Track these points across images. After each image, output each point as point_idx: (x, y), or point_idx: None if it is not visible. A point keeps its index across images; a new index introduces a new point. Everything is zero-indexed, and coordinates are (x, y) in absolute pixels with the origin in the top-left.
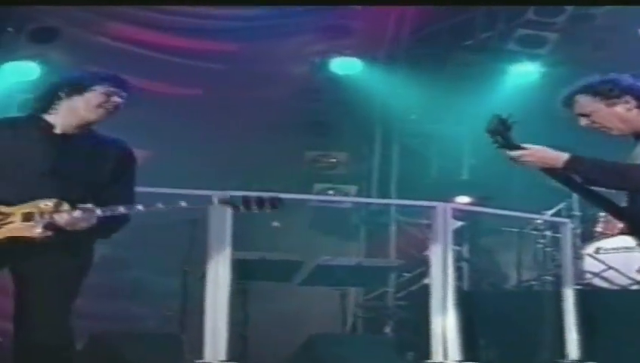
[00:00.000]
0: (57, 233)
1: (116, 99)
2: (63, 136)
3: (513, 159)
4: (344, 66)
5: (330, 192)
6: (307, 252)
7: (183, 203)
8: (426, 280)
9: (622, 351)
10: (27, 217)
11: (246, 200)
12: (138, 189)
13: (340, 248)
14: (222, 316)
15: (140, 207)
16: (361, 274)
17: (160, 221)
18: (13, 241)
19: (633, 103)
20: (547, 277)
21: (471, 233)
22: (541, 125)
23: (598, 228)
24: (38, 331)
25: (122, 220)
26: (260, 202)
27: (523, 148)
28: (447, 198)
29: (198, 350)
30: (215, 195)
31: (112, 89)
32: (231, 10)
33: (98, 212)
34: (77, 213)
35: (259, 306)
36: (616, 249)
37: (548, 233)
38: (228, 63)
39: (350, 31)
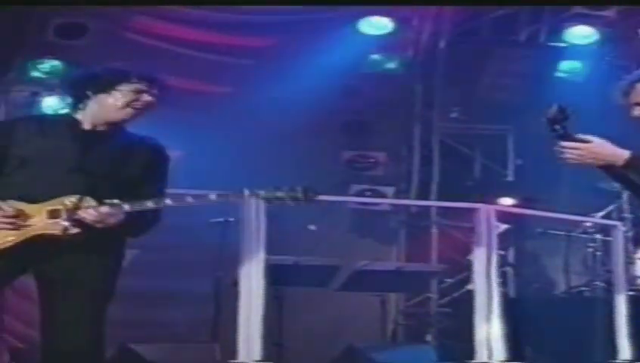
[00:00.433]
0: (85, 230)
1: (146, 97)
2: (91, 133)
3: (568, 153)
4: (382, 62)
5: (368, 194)
6: (344, 257)
7: (213, 196)
8: (469, 286)
9: None
10: (53, 214)
11: (277, 191)
12: (169, 191)
13: (378, 252)
14: (256, 324)
15: (169, 201)
16: (401, 279)
17: (191, 223)
18: (39, 240)
19: None
20: (597, 283)
21: (516, 236)
22: (589, 123)
23: None
24: (66, 339)
25: (152, 219)
26: (294, 192)
27: (582, 140)
28: (491, 200)
29: (231, 359)
30: (250, 205)
31: (141, 87)
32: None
33: (126, 207)
34: (104, 208)
35: (294, 313)
36: None
37: (598, 236)
38: (260, 59)
39: (388, 25)
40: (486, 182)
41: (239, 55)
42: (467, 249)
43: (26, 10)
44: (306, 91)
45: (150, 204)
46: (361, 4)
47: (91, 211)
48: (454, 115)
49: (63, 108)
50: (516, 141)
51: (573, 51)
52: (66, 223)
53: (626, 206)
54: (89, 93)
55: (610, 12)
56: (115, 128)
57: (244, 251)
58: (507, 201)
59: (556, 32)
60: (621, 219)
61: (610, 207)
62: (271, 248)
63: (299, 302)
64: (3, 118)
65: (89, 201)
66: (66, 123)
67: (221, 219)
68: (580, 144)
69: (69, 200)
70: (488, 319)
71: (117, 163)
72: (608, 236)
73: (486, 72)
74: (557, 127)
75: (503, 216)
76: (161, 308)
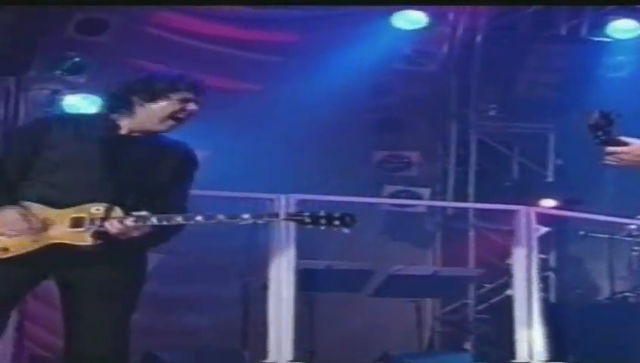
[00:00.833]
0: (107, 242)
1: (191, 107)
2: (127, 138)
3: (611, 157)
4: (415, 56)
5: (402, 195)
6: (378, 261)
7: (246, 216)
8: (509, 292)
9: None
10: (77, 222)
11: (314, 216)
12: (196, 192)
13: (413, 256)
14: (287, 330)
15: (199, 218)
16: (437, 284)
17: (218, 226)
18: (59, 248)
19: None
20: None
21: (558, 240)
22: (633, 120)
23: None
24: (90, 347)
25: (175, 229)
26: (330, 219)
27: (624, 143)
28: (530, 201)
29: None
30: (277, 201)
31: (188, 95)
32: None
33: (154, 220)
34: (130, 221)
35: (326, 320)
36: None
37: None
38: (288, 55)
39: (422, 20)
40: (526, 183)
41: (266, 51)
42: (506, 253)
43: (40, 9)
44: (337, 89)
45: (179, 219)
46: (390, 4)
47: (115, 223)
48: (491, 112)
49: (85, 107)
50: (556, 139)
51: (616, 46)
52: (89, 236)
53: None
54: (134, 99)
55: None
56: (149, 135)
57: (274, 254)
58: (547, 203)
59: (598, 26)
60: None
61: None
62: (301, 251)
63: (331, 308)
64: (23, 117)
65: (117, 211)
66: (104, 127)
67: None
68: (623, 148)
69: (96, 209)
70: (528, 326)
71: (148, 169)
72: None
73: (525, 68)
74: (600, 133)
75: (543, 218)
76: (186, 314)
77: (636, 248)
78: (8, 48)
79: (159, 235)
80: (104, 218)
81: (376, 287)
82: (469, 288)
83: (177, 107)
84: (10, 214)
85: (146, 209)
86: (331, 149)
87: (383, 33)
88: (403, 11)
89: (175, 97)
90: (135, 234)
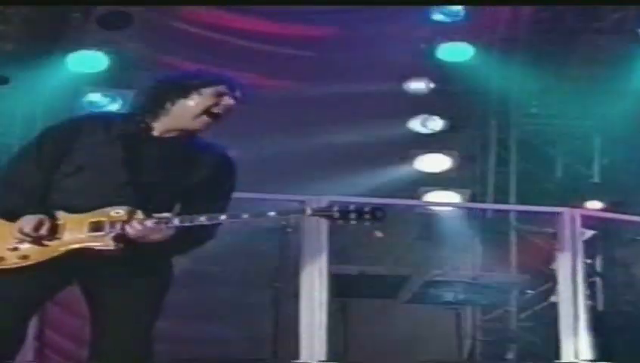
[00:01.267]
0: (129, 246)
1: (228, 100)
2: (159, 140)
3: None
4: (454, 52)
5: (440, 197)
6: (414, 266)
7: (272, 213)
8: (553, 298)
9: None
10: (96, 226)
11: (343, 210)
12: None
13: (452, 261)
14: (320, 339)
15: (223, 217)
16: (477, 291)
17: (246, 229)
18: (80, 253)
19: None
20: None
21: (604, 243)
22: None
23: None
24: (112, 356)
25: (205, 235)
26: (360, 213)
27: None
28: (575, 203)
29: None
30: (308, 203)
31: (223, 89)
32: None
33: (175, 221)
34: (150, 223)
35: (360, 328)
36: None
37: None
38: (321, 50)
39: (460, 12)
40: (570, 184)
41: (299, 46)
42: (550, 258)
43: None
44: (372, 85)
45: (202, 219)
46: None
47: (135, 225)
48: (533, 110)
49: (107, 104)
50: (602, 138)
51: None
52: (110, 240)
53: None
54: (167, 97)
55: None
56: (185, 135)
57: (305, 260)
58: (593, 204)
59: None
60: None
61: None
62: (334, 256)
63: (365, 315)
64: (41, 115)
65: (138, 214)
66: (136, 127)
67: (279, 224)
68: None
69: (115, 212)
70: (574, 334)
71: (179, 173)
72: None
73: (569, 62)
74: None
75: (589, 221)
76: (214, 322)
77: None
78: (27, 42)
79: (184, 240)
80: (124, 222)
81: (412, 294)
82: (511, 295)
83: (211, 101)
84: (26, 223)
85: (176, 214)
86: (365, 149)
87: (419, 26)
88: (442, 6)
89: (209, 91)
90: (157, 236)
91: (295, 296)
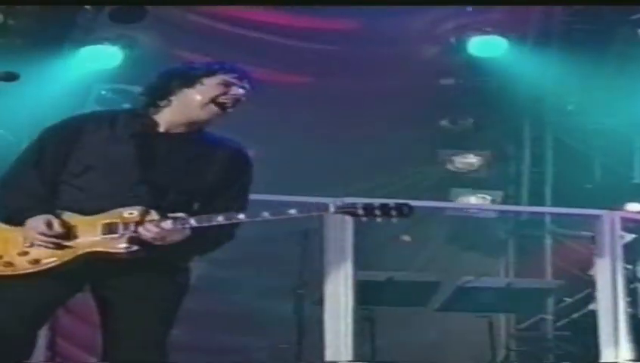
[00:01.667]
0: (144, 248)
1: (236, 90)
2: (166, 136)
3: None
4: (485, 46)
5: (471, 199)
6: (445, 272)
7: (293, 211)
8: (591, 306)
9: None
10: (109, 228)
11: (367, 207)
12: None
13: (484, 266)
14: (345, 348)
15: (242, 216)
16: (511, 297)
17: (267, 233)
18: (92, 257)
19: None
20: None
21: None
22: None
23: None
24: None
25: (223, 236)
26: (385, 209)
27: None
28: (614, 205)
29: None
30: (332, 202)
31: (231, 79)
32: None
33: (192, 222)
34: (166, 224)
35: (388, 337)
36: None
37: None
38: (345, 44)
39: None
40: (609, 185)
41: (322, 40)
42: (588, 263)
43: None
44: (397, 82)
45: (220, 219)
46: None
47: (151, 226)
48: (570, 107)
49: (120, 102)
50: None
51: None
52: (123, 242)
53: None
54: (172, 87)
55: None
56: (194, 130)
57: (329, 265)
58: (633, 207)
59: None
60: None
61: None
62: (360, 262)
63: (393, 323)
64: (51, 113)
65: (152, 215)
66: (140, 123)
67: (302, 228)
68: None
69: (129, 213)
70: (615, 344)
71: (192, 170)
72: None
73: (606, 56)
74: None
75: (629, 224)
76: (234, 331)
77: None
78: (36, 37)
79: (202, 241)
80: (138, 223)
81: (443, 301)
82: (547, 302)
83: (219, 90)
84: (37, 223)
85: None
86: (392, 148)
87: (447, 20)
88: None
89: (216, 80)
90: (174, 238)
91: (319, 303)
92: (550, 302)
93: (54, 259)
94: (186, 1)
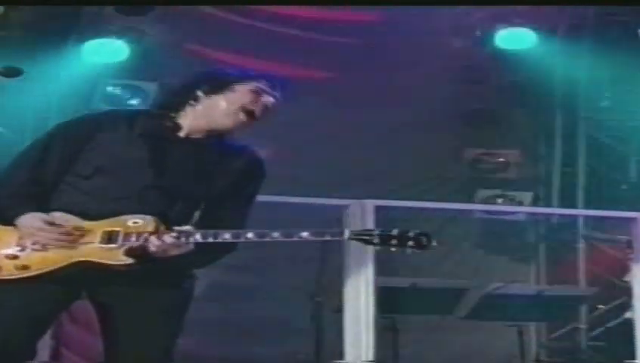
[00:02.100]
0: (142, 260)
1: (267, 99)
2: (184, 141)
3: None
4: (514, 39)
5: (499, 201)
6: (472, 278)
7: (305, 234)
8: (628, 314)
9: None
10: (108, 237)
11: (384, 235)
12: (258, 198)
13: (513, 272)
14: (366, 359)
15: (250, 235)
16: (542, 305)
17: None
18: (88, 266)
19: None
20: None
21: None
22: None
23: None
24: None
25: (226, 248)
26: (403, 238)
27: None
28: None
29: None
30: (352, 210)
31: (262, 87)
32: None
33: (197, 237)
34: (169, 239)
35: (412, 347)
36: None
37: None
38: (367, 37)
39: None
40: None
41: (343, 33)
42: (624, 269)
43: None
44: (421, 76)
45: (227, 237)
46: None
47: (153, 240)
48: (604, 103)
49: (127, 98)
50: None
51: None
52: (120, 252)
53: None
54: (200, 93)
55: None
56: (214, 136)
57: (349, 270)
58: None
59: None
60: None
61: None
62: (381, 267)
63: (417, 333)
64: (55, 110)
65: (158, 226)
66: (162, 126)
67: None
68: None
69: (133, 222)
70: None
71: (203, 178)
72: None
73: None
74: None
75: None
76: (247, 341)
77: None
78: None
79: (204, 253)
80: (140, 234)
81: (470, 309)
82: (580, 310)
83: (247, 98)
84: (33, 221)
85: (195, 223)
86: (415, 146)
87: (473, 12)
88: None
89: (246, 87)
90: (176, 252)
91: (338, 311)
92: (583, 310)
93: (45, 265)
94: (188, 2)
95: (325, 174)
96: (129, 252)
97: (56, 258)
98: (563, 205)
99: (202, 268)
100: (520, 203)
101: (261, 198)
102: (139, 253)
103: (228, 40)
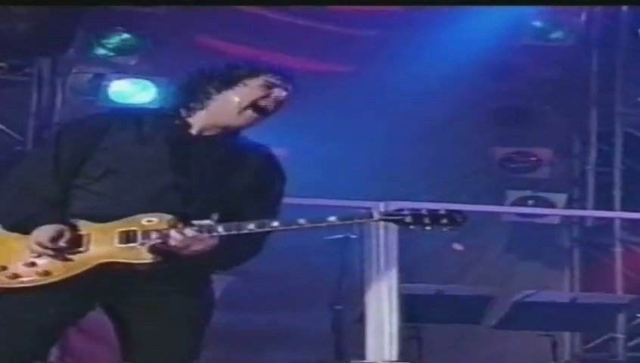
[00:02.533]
0: (166, 258)
1: (279, 93)
2: (197, 138)
3: None
4: (545, 29)
5: (530, 202)
6: (502, 285)
7: (333, 218)
8: None
9: None
10: (126, 237)
11: (416, 214)
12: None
13: (546, 279)
14: None
15: (275, 224)
16: (577, 314)
17: (301, 242)
18: (107, 270)
19: None
20: None
21: None
22: None
23: None
24: None
25: (251, 249)
26: (435, 216)
27: None
28: None
29: None
30: (376, 207)
31: (274, 80)
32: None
33: (220, 229)
34: (190, 232)
35: (438, 358)
36: None
37: None
38: (389, 28)
39: None
40: None
41: (363, 25)
42: None
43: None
44: (448, 70)
45: (251, 227)
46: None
47: (174, 234)
48: None
49: (136, 94)
50: None
51: None
52: (145, 252)
53: None
54: (210, 89)
55: None
56: (228, 133)
57: (371, 277)
58: None
59: None
60: None
61: None
62: (405, 274)
63: (443, 343)
64: (60, 106)
65: (175, 222)
66: (171, 124)
67: (340, 236)
68: None
69: (147, 220)
70: None
71: (220, 176)
72: None
73: None
74: None
75: None
76: (266, 350)
77: None
78: (41, 22)
79: (228, 253)
80: (158, 231)
81: (500, 318)
82: (617, 319)
83: (259, 93)
84: (44, 233)
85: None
86: (440, 146)
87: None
88: None
89: (257, 82)
90: (199, 247)
91: (360, 320)
92: (620, 319)
93: (68, 270)
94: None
95: (345, 174)
96: (152, 250)
97: (77, 262)
98: (598, 207)
99: (227, 269)
100: (553, 205)
101: None
102: (162, 249)
103: (237, 32)
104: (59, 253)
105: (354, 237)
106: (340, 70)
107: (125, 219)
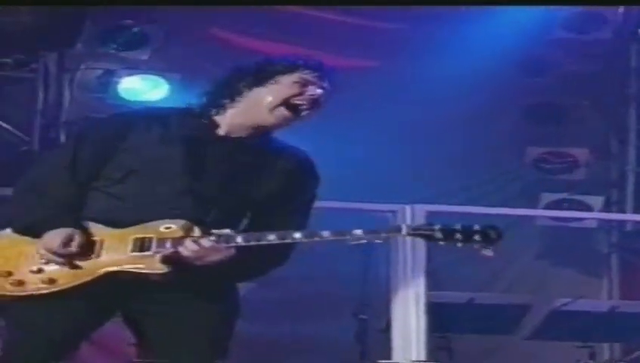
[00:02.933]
0: (180, 269)
1: (314, 90)
2: (224, 140)
3: None
4: (579, 24)
5: (566, 205)
6: (536, 293)
7: (358, 231)
8: None
9: None
10: (140, 244)
11: (447, 230)
12: None
13: (583, 286)
14: None
15: (298, 236)
16: (615, 323)
17: (324, 248)
18: (122, 277)
19: None
20: None
21: None
22: None
23: None
24: None
25: (275, 259)
26: (468, 232)
27: None
28: None
29: None
30: (402, 213)
31: (308, 77)
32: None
33: (239, 240)
34: (207, 242)
35: None
36: None
37: None
38: (417, 22)
39: None
40: None
41: (388, 18)
42: None
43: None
44: (478, 66)
45: (271, 238)
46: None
47: (189, 244)
48: None
49: (147, 91)
50: None
51: None
52: (155, 259)
53: None
54: (242, 86)
55: None
56: (257, 134)
57: (397, 285)
58: None
59: None
60: None
61: None
62: (433, 281)
63: (474, 354)
64: (67, 104)
65: (194, 230)
66: (198, 126)
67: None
68: None
69: (165, 227)
70: None
71: (246, 181)
72: None
73: None
74: None
75: None
76: (287, 361)
77: None
78: (47, 15)
79: (249, 264)
80: (175, 239)
81: (534, 328)
82: None
83: (293, 90)
84: (54, 238)
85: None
86: (470, 146)
87: None
88: None
89: (291, 78)
90: (216, 258)
91: (386, 330)
92: None
93: (75, 279)
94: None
95: (370, 175)
96: (165, 260)
97: (86, 270)
98: (638, 210)
99: (247, 280)
100: (590, 208)
101: None
102: (176, 260)
103: (256, 25)
104: (67, 259)
105: (379, 241)
106: (364, 65)
107: (143, 225)
